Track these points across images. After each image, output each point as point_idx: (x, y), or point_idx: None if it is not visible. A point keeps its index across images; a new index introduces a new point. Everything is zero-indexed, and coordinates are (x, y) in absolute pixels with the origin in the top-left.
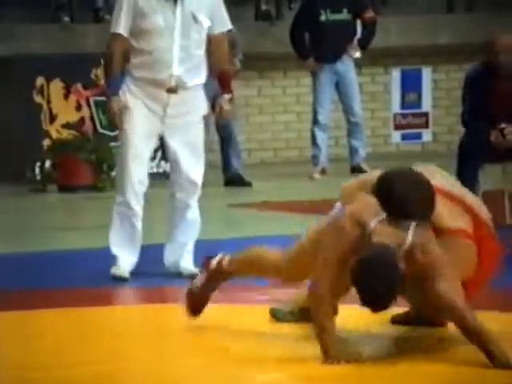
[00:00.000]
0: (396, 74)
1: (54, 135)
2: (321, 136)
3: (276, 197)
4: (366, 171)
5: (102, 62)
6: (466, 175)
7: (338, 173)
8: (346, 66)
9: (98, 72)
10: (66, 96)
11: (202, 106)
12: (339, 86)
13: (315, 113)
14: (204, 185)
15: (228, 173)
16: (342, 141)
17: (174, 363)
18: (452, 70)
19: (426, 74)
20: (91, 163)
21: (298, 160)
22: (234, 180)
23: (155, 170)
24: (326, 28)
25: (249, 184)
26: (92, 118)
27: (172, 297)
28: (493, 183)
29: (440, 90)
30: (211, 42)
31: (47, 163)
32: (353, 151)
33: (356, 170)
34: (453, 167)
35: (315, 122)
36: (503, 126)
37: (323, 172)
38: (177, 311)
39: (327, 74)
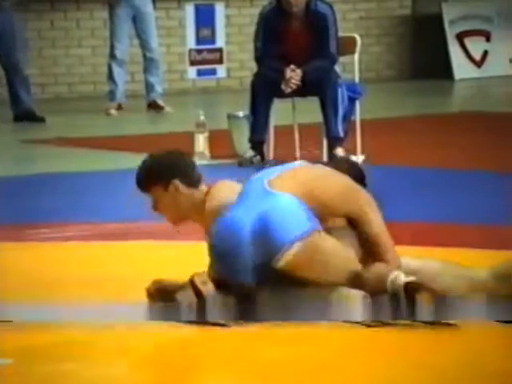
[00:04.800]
0: (190, 9)
1: None
2: (117, 71)
3: (71, 133)
4: (162, 107)
5: None
6: (259, 111)
7: (135, 109)
8: (143, 1)
9: None
10: None
11: None
12: (136, 21)
13: (112, 47)
14: None
15: (17, 108)
16: (138, 76)
17: None
18: (244, 6)
19: (219, 9)
20: None
21: (93, 95)
22: (24, 115)
23: None
24: None
25: (41, 119)
26: None
27: None
28: (283, 118)
29: (233, 26)
30: None
31: None
32: (149, 87)
33: (152, 105)
34: (246, 103)
35: (112, 56)
36: (292, 67)
37: (119, 108)
38: None
39: (124, 8)
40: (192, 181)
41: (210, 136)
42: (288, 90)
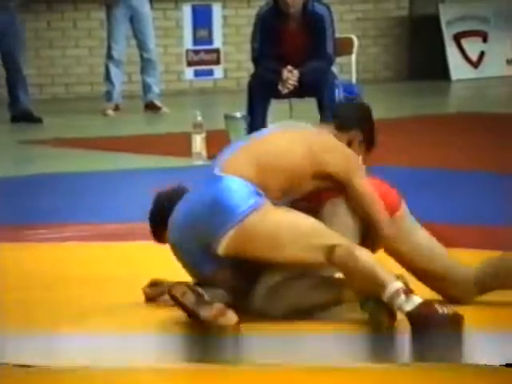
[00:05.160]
0: (187, 10)
1: None
2: (115, 71)
3: (68, 133)
4: (159, 108)
5: None
6: (256, 111)
7: (132, 109)
8: (141, 1)
9: None
10: None
11: None
12: (133, 22)
13: (109, 48)
14: None
15: (15, 108)
16: (135, 77)
17: None
18: (241, 7)
19: (216, 10)
20: None
21: (90, 96)
22: (22, 116)
23: None
24: None
25: (39, 120)
26: None
27: None
28: (280, 119)
29: (230, 27)
30: None
31: None
32: (146, 88)
33: (149, 106)
34: (243, 103)
35: (109, 57)
36: (289, 68)
37: (116, 108)
38: None
39: (121, 9)
40: None
41: (207, 136)
42: (285, 91)
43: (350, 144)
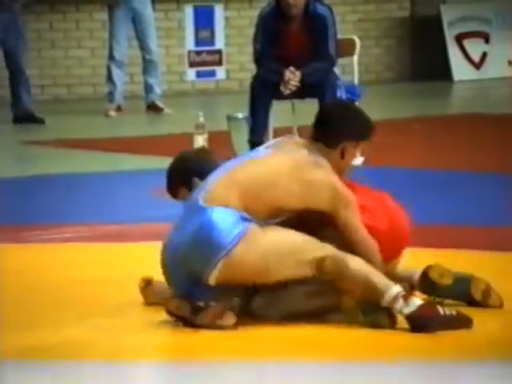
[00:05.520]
0: (189, 11)
1: None
2: (117, 72)
3: (71, 134)
4: (161, 109)
5: None
6: (258, 112)
7: (134, 110)
8: (143, 3)
9: None
10: None
11: None
12: (135, 23)
13: (111, 49)
14: None
15: (18, 109)
16: (137, 78)
17: None
18: (243, 8)
19: (218, 11)
20: None
21: (92, 97)
22: (24, 116)
23: None
24: None
25: (41, 121)
26: None
27: None
28: (283, 120)
29: (232, 28)
30: None
31: None
32: (148, 88)
33: (151, 107)
34: (245, 104)
35: (111, 58)
36: (292, 69)
37: (119, 109)
38: None
39: (123, 10)
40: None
41: (210, 137)
42: (287, 92)
43: (343, 154)
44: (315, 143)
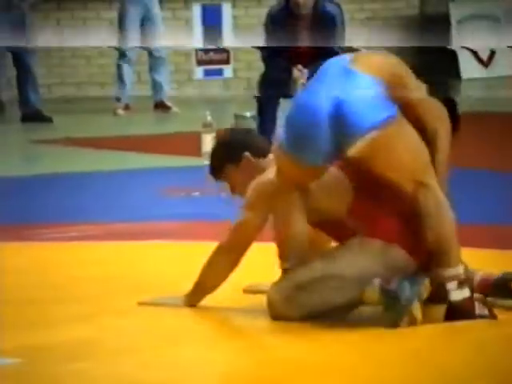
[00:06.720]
0: (196, 9)
1: None
2: (127, 71)
3: (79, 133)
4: (169, 107)
5: None
6: (265, 111)
7: (142, 109)
8: (153, 1)
9: None
10: None
11: None
12: (144, 19)
13: None
14: (1, 121)
15: (26, 108)
16: (144, 76)
17: None
18: (251, 6)
19: (226, 9)
20: None
21: (100, 96)
22: (32, 115)
23: None
24: None
25: (49, 119)
26: None
27: None
28: None
29: (239, 26)
30: None
31: None
32: (157, 87)
33: (159, 106)
34: (252, 103)
35: (122, 55)
36: (299, 67)
37: (127, 108)
38: None
39: (135, 8)
40: (260, 151)
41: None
42: (295, 91)
43: None
44: None
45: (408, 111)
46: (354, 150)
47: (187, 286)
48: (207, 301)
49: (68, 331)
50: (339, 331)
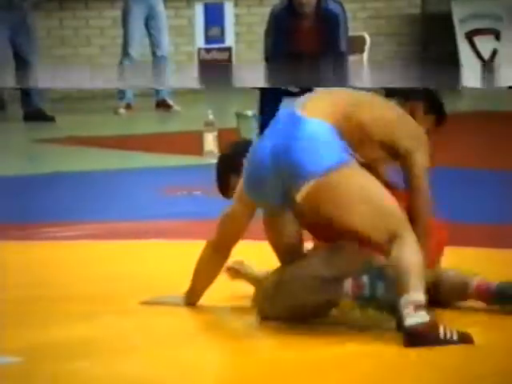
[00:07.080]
0: (199, 8)
1: None
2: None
3: (81, 132)
4: (171, 106)
5: None
6: (267, 110)
7: (143, 108)
8: (156, 0)
9: None
10: None
11: None
12: (149, 18)
13: (126, 45)
14: (3, 120)
15: (28, 107)
16: None
17: None
18: (253, 5)
19: (228, 8)
20: None
21: (102, 94)
22: (34, 115)
23: None
24: None
25: (51, 119)
26: None
27: None
28: None
29: (242, 25)
30: None
31: None
32: None
33: (161, 104)
34: (254, 101)
35: (125, 54)
36: None
37: (128, 107)
38: None
39: (140, 7)
40: None
41: (219, 135)
42: (297, 90)
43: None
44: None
45: (374, 136)
46: (298, 196)
47: (188, 284)
48: (207, 301)
49: (68, 330)
50: (332, 332)
